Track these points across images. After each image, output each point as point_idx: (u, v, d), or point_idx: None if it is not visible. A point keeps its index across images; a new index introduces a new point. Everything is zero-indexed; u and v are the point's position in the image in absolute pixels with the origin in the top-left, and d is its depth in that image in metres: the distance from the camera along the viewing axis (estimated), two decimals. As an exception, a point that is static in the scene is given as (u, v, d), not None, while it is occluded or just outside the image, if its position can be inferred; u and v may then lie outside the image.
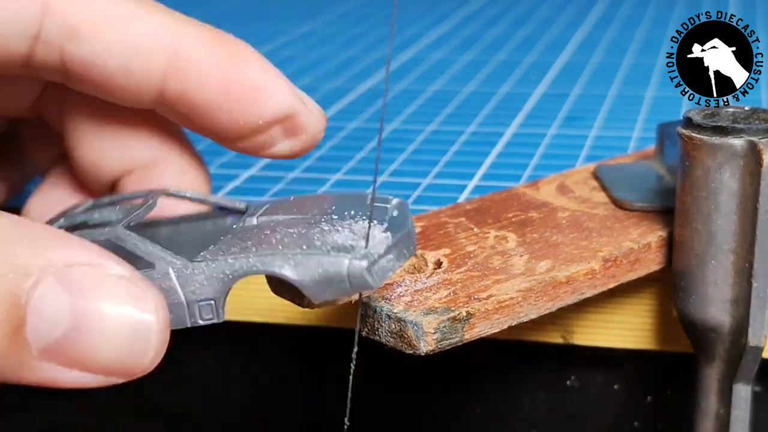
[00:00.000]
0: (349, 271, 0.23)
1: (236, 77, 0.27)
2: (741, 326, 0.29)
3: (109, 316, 0.21)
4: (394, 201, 0.27)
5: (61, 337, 0.21)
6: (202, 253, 0.24)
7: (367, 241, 0.24)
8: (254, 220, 0.26)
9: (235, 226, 0.26)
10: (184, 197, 0.29)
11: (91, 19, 0.26)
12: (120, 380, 0.22)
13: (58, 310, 0.21)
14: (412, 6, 0.78)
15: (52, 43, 0.26)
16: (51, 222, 0.29)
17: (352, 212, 0.26)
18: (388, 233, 0.24)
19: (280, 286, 0.25)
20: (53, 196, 0.33)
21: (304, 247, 0.24)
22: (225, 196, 0.29)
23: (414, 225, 0.27)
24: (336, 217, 0.26)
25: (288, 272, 0.23)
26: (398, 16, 0.74)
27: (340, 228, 0.25)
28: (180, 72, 0.27)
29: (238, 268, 0.24)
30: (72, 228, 0.28)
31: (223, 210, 0.29)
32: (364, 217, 0.25)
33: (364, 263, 0.23)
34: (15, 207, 0.38)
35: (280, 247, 0.24)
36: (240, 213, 0.28)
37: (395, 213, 0.26)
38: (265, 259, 0.24)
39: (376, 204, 0.26)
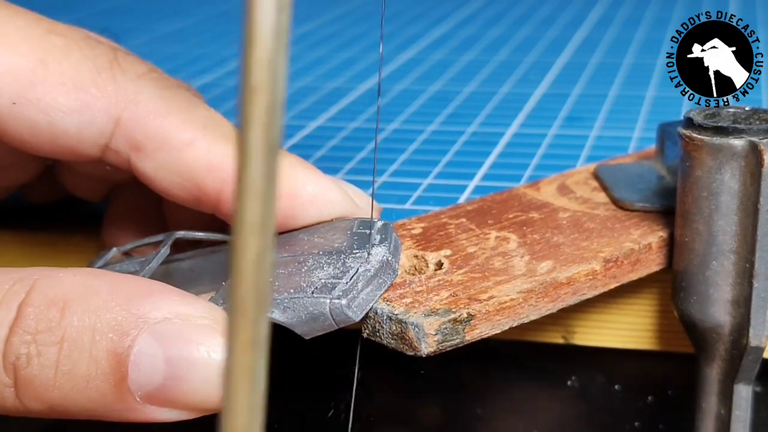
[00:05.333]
0: (331, 310, 0.25)
1: (289, 194, 0.30)
2: (742, 326, 0.29)
3: (198, 364, 0.24)
4: (378, 225, 0.29)
5: (160, 385, 0.24)
6: None
7: (349, 277, 0.26)
8: None
9: None
10: (194, 238, 0.31)
11: (154, 139, 0.29)
12: (214, 412, 0.24)
13: (155, 361, 0.24)
14: (412, 6, 0.78)
15: (120, 152, 0.30)
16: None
17: (336, 245, 0.28)
18: (368, 265, 0.27)
19: None
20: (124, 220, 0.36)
21: (292, 290, 0.26)
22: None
23: (398, 244, 0.29)
24: (321, 252, 0.28)
25: (278, 317, 0.26)
26: (398, 16, 0.74)
27: (325, 264, 0.27)
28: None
29: None
30: None
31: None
32: (347, 251, 0.27)
33: (344, 301, 0.26)
34: (11, 206, 0.38)
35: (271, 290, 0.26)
36: None
37: (377, 239, 0.28)
38: None
39: (360, 231, 0.28)
